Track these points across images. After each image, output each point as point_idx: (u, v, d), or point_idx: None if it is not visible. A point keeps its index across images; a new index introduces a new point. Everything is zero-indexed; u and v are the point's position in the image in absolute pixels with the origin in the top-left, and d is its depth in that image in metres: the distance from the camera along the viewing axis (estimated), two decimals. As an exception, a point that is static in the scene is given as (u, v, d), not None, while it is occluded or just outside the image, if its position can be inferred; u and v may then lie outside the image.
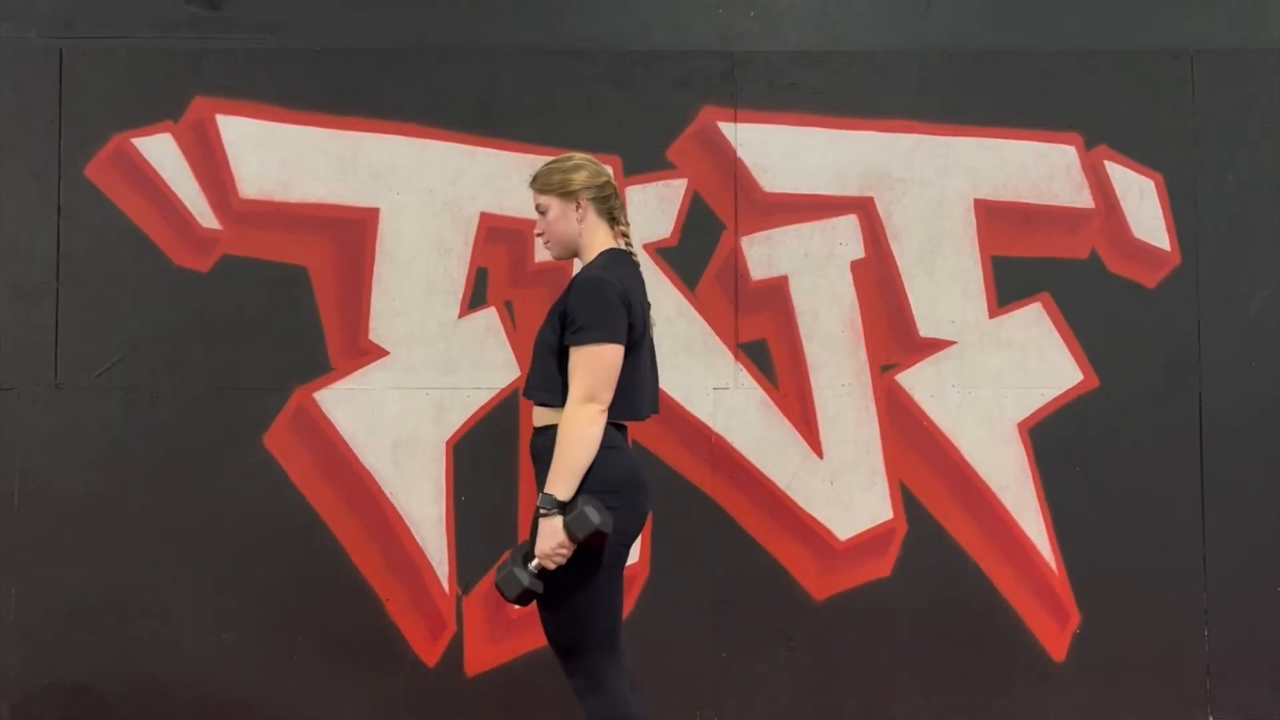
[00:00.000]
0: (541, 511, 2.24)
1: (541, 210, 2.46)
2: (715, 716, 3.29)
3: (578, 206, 2.43)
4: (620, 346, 2.29)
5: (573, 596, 2.29)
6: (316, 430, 3.29)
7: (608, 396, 2.28)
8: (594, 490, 2.27)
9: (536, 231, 2.50)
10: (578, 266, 2.50)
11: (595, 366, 2.26)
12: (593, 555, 2.27)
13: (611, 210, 2.47)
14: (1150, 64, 3.40)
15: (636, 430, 3.29)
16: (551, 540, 2.23)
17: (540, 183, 2.46)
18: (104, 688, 3.25)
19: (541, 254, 3.32)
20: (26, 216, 3.30)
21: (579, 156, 2.48)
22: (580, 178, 2.43)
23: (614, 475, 2.31)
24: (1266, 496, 3.34)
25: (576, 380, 2.27)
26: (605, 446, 2.30)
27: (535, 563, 2.27)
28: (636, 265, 2.47)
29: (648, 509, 2.41)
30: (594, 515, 2.21)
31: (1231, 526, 3.33)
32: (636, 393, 2.37)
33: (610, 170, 2.51)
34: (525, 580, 2.26)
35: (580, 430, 2.24)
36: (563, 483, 2.24)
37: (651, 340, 2.48)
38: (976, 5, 3.41)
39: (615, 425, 2.36)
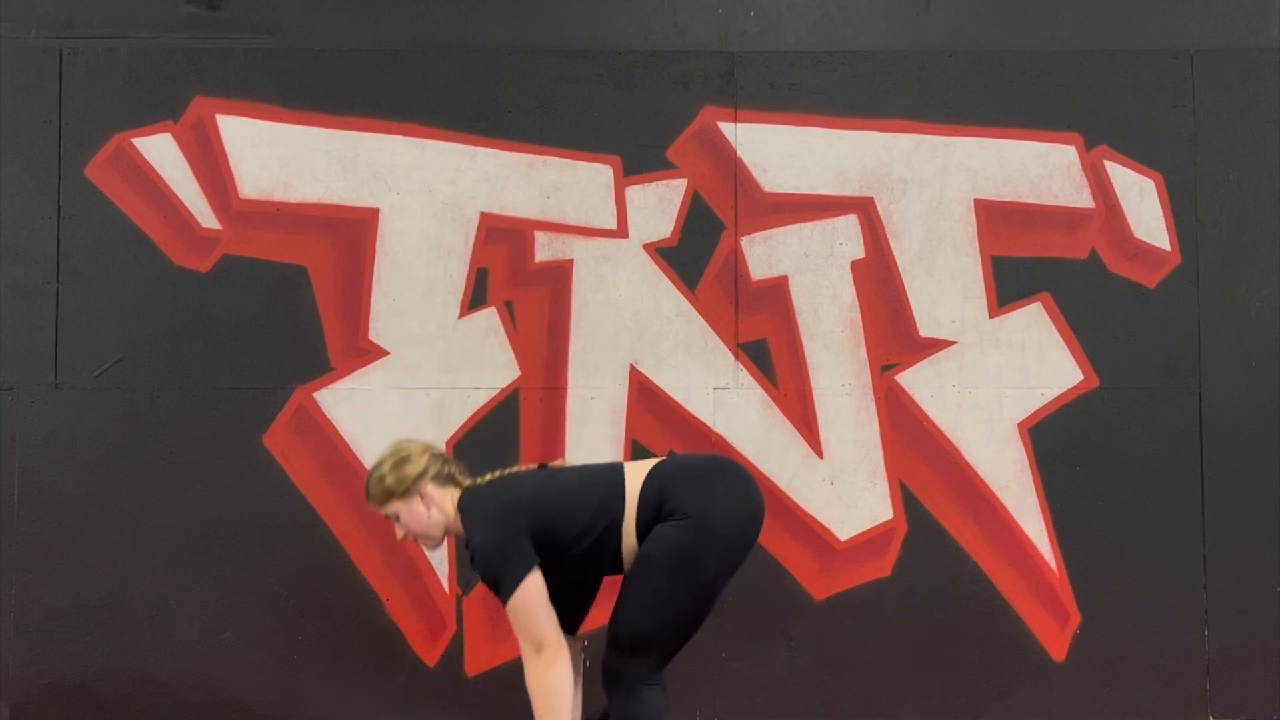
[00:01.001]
0: None
1: (393, 518, 2.43)
2: (715, 716, 3.29)
3: (422, 497, 2.40)
4: (531, 577, 2.27)
5: (660, 603, 2.28)
6: (316, 430, 3.29)
7: (551, 632, 2.28)
8: (672, 519, 2.28)
9: (399, 538, 2.46)
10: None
11: (523, 612, 2.27)
12: (691, 571, 2.26)
13: (451, 476, 2.45)
14: (1150, 64, 3.40)
15: (637, 430, 3.30)
16: None
17: (376, 498, 2.42)
18: (104, 688, 3.25)
19: (542, 254, 3.32)
20: (26, 216, 3.30)
21: (397, 450, 2.43)
22: (410, 470, 2.39)
23: (683, 506, 2.30)
24: (1266, 496, 3.33)
25: (519, 636, 2.29)
26: (656, 499, 2.31)
27: None
28: (487, 478, 2.45)
29: (738, 527, 2.35)
30: None
31: (1231, 526, 3.32)
32: (596, 491, 2.36)
33: (428, 443, 2.49)
34: None
35: (543, 684, 2.26)
36: None
37: (567, 470, 2.47)
38: (976, 5, 3.41)
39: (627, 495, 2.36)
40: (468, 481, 2.46)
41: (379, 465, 2.42)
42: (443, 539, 2.46)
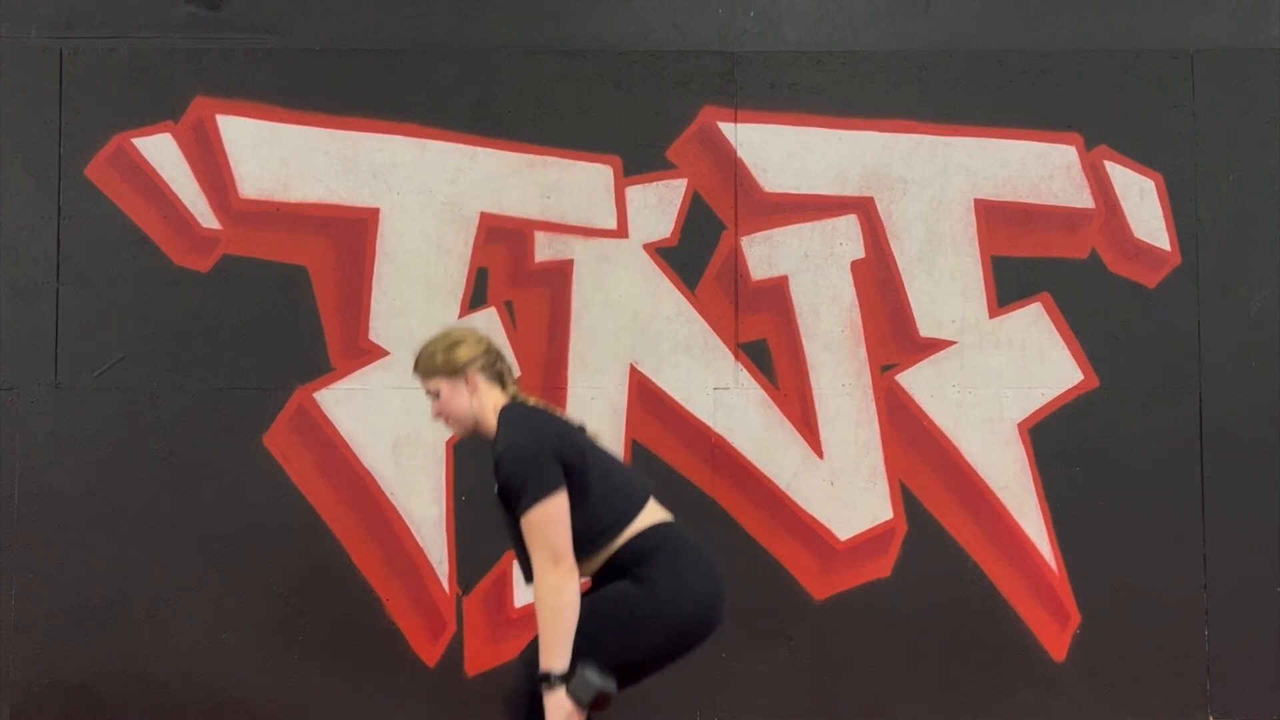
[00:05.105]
0: (545, 688, 2.23)
1: (433, 394, 2.43)
2: (715, 716, 3.29)
3: (468, 381, 2.40)
4: (559, 493, 2.26)
5: (597, 651, 2.26)
6: (316, 430, 3.29)
7: (568, 548, 2.26)
8: (639, 579, 2.27)
9: (433, 414, 2.46)
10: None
11: (543, 526, 2.24)
12: (636, 635, 2.27)
13: (500, 374, 2.45)
14: (1150, 64, 3.40)
15: (637, 430, 3.30)
16: (560, 714, 2.22)
17: (424, 369, 2.43)
18: (104, 688, 3.25)
19: (542, 254, 3.32)
20: (26, 216, 3.30)
21: (456, 331, 2.46)
22: (463, 353, 2.40)
23: (660, 574, 2.29)
24: (1266, 496, 3.34)
25: (534, 549, 2.26)
26: (643, 551, 2.30)
27: None
28: (535, 403, 2.45)
29: (695, 625, 2.33)
30: (595, 678, 2.21)
31: (1231, 526, 3.32)
32: (617, 495, 2.35)
33: (484, 335, 2.48)
34: None
35: (553, 597, 2.23)
36: (555, 655, 2.23)
37: (603, 448, 2.45)
38: (976, 5, 3.41)
39: (627, 530, 2.34)
40: (514, 387, 2.47)
41: (432, 343, 2.44)
42: (472, 429, 2.45)
